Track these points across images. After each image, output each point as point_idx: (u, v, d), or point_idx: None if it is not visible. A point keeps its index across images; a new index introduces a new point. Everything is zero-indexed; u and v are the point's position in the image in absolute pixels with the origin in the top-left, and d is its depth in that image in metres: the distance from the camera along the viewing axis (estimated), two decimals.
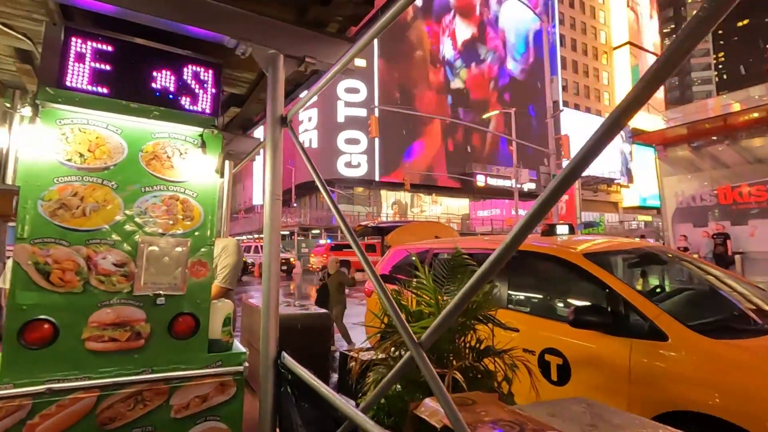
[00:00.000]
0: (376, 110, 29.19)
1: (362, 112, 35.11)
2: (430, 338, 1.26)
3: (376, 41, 3.02)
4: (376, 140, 32.49)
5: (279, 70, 2.57)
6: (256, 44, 2.49)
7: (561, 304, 3.52)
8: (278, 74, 2.56)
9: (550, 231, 4.35)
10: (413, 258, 2.91)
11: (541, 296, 3.75)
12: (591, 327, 2.88)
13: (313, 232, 33.54)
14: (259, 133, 5.05)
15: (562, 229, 4.49)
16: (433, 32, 40.75)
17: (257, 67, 3.65)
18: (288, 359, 2.34)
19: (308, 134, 36.99)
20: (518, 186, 22.18)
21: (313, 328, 4.38)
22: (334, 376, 5.08)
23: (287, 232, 32.23)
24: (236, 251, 3.58)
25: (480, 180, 36.28)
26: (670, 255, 4.06)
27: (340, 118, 36.09)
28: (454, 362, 2.39)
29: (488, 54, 44.37)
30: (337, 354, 4.58)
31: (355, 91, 36.11)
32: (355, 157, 35.99)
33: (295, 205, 35.93)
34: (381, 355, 2.52)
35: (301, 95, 3.36)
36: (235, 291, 3.72)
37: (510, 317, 3.13)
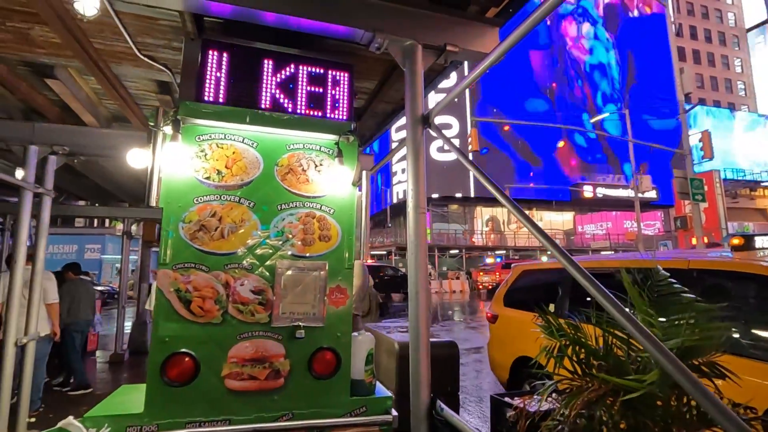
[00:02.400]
0: (468, 123, 28.22)
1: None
2: None
3: None
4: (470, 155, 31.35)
5: (417, 63, 2.21)
6: (391, 35, 2.17)
7: None
8: (416, 68, 2.20)
9: (747, 245, 3.31)
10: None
11: (761, 333, 2.78)
12: None
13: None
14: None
15: (763, 242, 3.41)
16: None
17: (377, 74, 3.40)
18: (447, 411, 1.87)
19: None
20: (639, 195, 19.44)
21: (439, 359, 3.86)
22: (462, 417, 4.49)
23: (384, 252, 32.46)
24: (361, 273, 3.32)
25: (587, 190, 32.95)
26: None
27: (431, 104, 35.56)
28: None
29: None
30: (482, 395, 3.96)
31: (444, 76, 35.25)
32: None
33: (389, 225, 36.27)
34: (564, 411, 1.92)
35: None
36: (360, 318, 3.41)
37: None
